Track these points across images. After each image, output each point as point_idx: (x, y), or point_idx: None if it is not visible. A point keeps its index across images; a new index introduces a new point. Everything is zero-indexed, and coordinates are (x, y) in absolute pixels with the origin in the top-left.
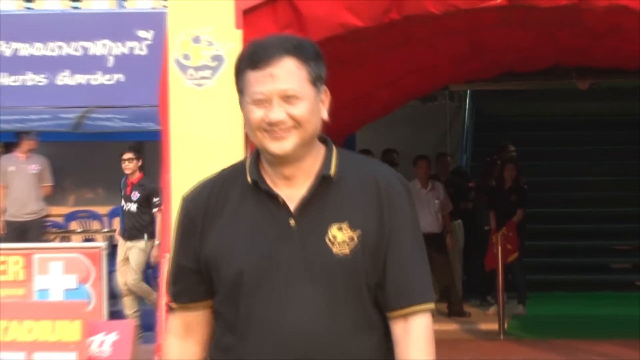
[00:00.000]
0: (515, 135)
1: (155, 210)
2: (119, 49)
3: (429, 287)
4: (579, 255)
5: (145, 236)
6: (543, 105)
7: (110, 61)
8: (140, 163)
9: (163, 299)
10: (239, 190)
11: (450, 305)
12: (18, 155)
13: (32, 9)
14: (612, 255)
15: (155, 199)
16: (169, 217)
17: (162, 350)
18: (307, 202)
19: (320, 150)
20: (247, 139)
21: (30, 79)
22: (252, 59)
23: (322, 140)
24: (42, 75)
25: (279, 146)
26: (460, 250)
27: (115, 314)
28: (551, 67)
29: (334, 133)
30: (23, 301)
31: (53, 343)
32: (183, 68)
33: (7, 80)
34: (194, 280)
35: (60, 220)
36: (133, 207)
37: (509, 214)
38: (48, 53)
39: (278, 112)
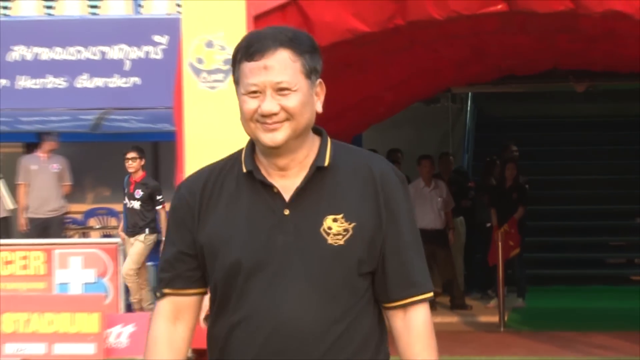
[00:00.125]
0: (515, 135)
1: (159, 207)
2: (135, 53)
3: (427, 276)
4: (576, 251)
5: (147, 230)
6: (542, 107)
7: (127, 65)
8: (143, 162)
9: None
10: (234, 180)
11: (452, 298)
12: (39, 155)
13: (52, 14)
14: (607, 251)
15: (158, 197)
16: None
17: (149, 332)
18: (302, 193)
19: (314, 141)
20: None
21: (51, 82)
22: (247, 50)
23: (317, 131)
24: (62, 79)
25: (271, 137)
26: (462, 246)
27: (132, 307)
28: (549, 70)
29: (342, 133)
30: (44, 294)
31: (72, 335)
32: (197, 71)
33: (28, 83)
34: (191, 266)
35: (79, 217)
36: (136, 204)
37: (510, 211)
38: (67, 57)
39: (271, 104)
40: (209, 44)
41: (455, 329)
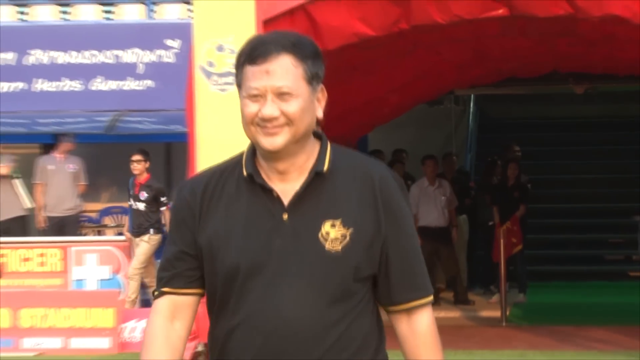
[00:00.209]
0: (516, 136)
1: (163, 208)
2: (148, 56)
3: (428, 280)
4: (576, 248)
5: (152, 230)
6: (542, 108)
7: (141, 68)
8: (147, 165)
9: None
10: (235, 183)
11: (455, 294)
12: (56, 155)
13: (68, 19)
14: (606, 248)
15: (162, 198)
16: None
17: (146, 330)
18: (301, 197)
19: (314, 146)
20: None
21: (67, 84)
22: (250, 54)
23: (317, 136)
24: (78, 82)
25: (270, 141)
26: (465, 243)
27: (146, 302)
28: (549, 73)
29: (348, 134)
30: (60, 290)
31: (88, 329)
32: (208, 74)
33: (45, 86)
34: (191, 266)
35: (94, 215)
36: (141, 205)
37: (512, 209)
38: (83, 61)
39: (271, 108)
40: (220, 48)
41: (459, 323)
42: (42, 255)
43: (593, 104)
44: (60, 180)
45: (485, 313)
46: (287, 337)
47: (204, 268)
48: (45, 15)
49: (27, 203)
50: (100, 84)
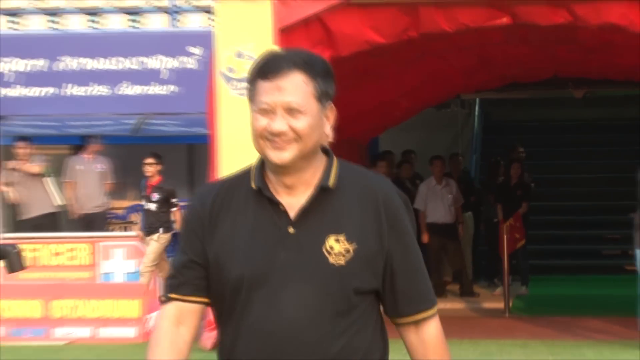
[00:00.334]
0: (519, 138)
1: (174, 209)
2: (172, 63)
3: (432, 292)
4: (576, 243)
5: (161, 230)
6: (543, 111)
7: (165, 74)
8: (159, 168)
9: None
10: (243, 195)
11: (461, 286)
12: (85, 156)
13: (96, 28)
14: (603, 243)
15: (173, 200)
16: None
17: (153, 333)
18: (307, 211)
19: (322, 161)
20: None
21: (95, 89)
22: (263, 70)
23: (325, 152)
24: (105, 86)
25: (278, 156)
26: (470, 238)
27: None
28: (550, 78)
29: (361, 136)
30: (89, 283)
31: (115, 319)
32: (228, 79)
33: (74, 90)
34: (198, 275)
35: (121, 212)
36: (152, 206)
37: (515, 206)
38: (110, 67)
39: (280, 124)
40: (239, 55)
41: (464, 314)
42: (72, 249)
43: (591, 108)
44: (88, 179)
45: (489, 304)
46: (291, 347)
47: (212, 278)
48: (74, 24)
49: (58, 200)
50: (126, 89)
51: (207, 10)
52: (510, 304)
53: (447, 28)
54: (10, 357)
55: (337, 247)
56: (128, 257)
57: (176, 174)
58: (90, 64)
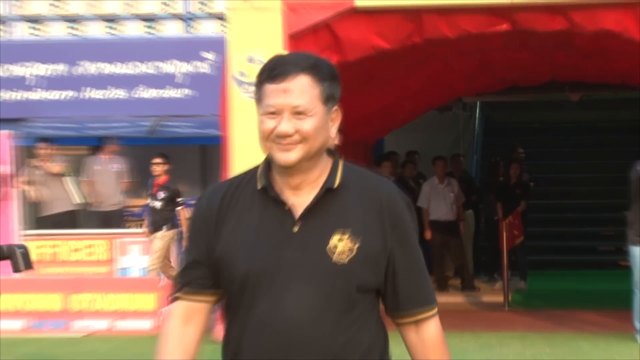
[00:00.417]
0: (518, 139)
1: (179, 208)
2: (186, 67)
3: (433, 292)
4: (572, 240)
5: (165, 227)
6: (541, 114)
7: (179, 78)
8: (166, 167)
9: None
10: (249, 195)
11: (462, 281)
12: (102, 156)
13: (114, 34)
14: (599, 240)
15: (178, 199)
16: None
17: (162, 331)
18: (311, 211)
19: (327, 163)
20: None
21: (112, 92)
22: (270, 73)
23: (330, 153)
24: (122, 90)
25: (284, 157)
26: (471, 235)
27: None
28: (548, 82)
29: (367, 137)
30: (107, 278)
31: (132, 312)
32: (239, 83)
33: (93, 94)
34: (203, 274)
35: (137, 210)
36: (157, 204)
37: (514, 204)
38: (127, 71)
39: (287, 126)
40: (250, 59)
41: (465, 307)
42: (90, 246)
43: (587, 110)
44: (105, 178)
45: (489, 298)
46: (295, 344)
47: (220, 276)
48: (93, 30)
49: (77, 199)
50: (142, 92)
51: (220, 17)
52: (510, 298)
53: (450, 34)
54: (31, 348)
55: (340, 246)
56: (144, 253)
57: (190, 174)
58: (108, 68)
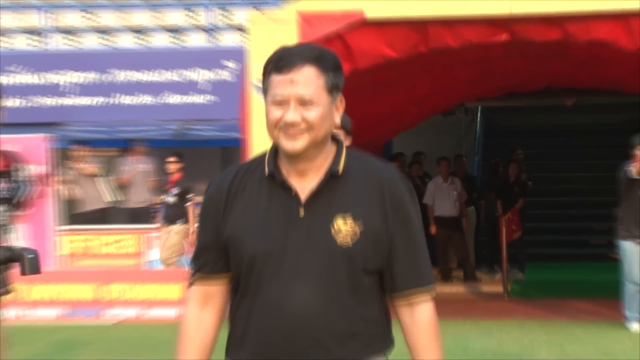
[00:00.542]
0: (516, 141)
1: (188, 204)
2: (209, 75)
3: (431, 274)
4: (567, 234)
5: (179, 222)
6: (538, 117)
7: (202, 84)
8: (179, 166)
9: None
10: (257, 180)
11: (465, 272)
12: (131, 157)
13: (142, 44)
14: (592, 234)
15: (188, 195)
16: None
17: (182, 316)
18: (316, 195)
19: (332, 149)
20: None
21: (140, 98)
22: (277, 64)
23: (335, 140)
24: (150, 96)
25: (291, 144)
26: (473, 230)
27: None
28: (544, 88)
29: (377, 139)
30: (135, 269)
31: (158, 302)
32: (258, 89)
33: (122, 99)
34: (214, 257)
35: None
36: (171, 199)
37: (513, 202)
38: (154, 78)
39: (294, 115)
40: None
41: (467, 297)
42: (119, 240)
43: (581, 114)
44: (133, 178)
45: (490, 288)
46: (301, 324)
47: (230, 257)
48: (123, 41)
49: (108, 197)
50: (168, 98)
51: (240, 29)
52: (509, 288)
53: (453, 44)
54: (65, 335)
55: (344, 228)
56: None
57: (212, 173)
58: (136, 76)
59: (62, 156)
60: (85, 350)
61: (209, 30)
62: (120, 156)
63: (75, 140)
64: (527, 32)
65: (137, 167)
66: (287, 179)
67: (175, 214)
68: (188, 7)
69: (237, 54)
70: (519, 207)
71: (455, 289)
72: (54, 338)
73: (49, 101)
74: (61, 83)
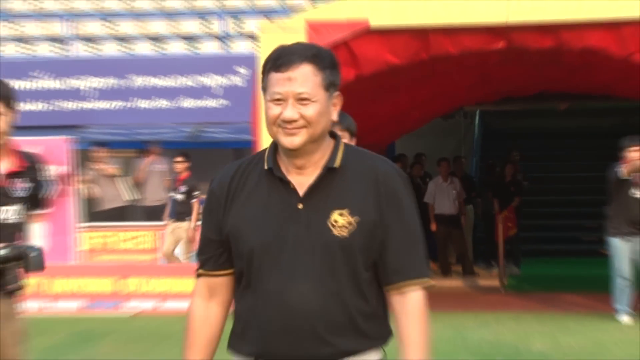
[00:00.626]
0: (512, 143)
1: (193, 200)
2: (222, 80)
3: (425, 265)
4: (560, 231)
5: (188, 219)
6: (533, 121)
7: (216, 89)
8: (186, 165)
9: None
10: (257, 175)
11: (463, 267)
12: (148, 158)
13: (159, 51)
14: (583, 231)
15: (194, 193)
16: None
17: (188, 309)
18: (314, 189)
19: (329, 145)
20: None
21: (157, 102)
22: (275, 62)
23: (333, 136)
24: (166, 100)
25: (290, 141)
26: (471, 227)
27: None
28: (539, 93)
29: (380, 141)
30: (152, 264)
31: (174, 295)
32: None
33: (140, 103)
34: (218, 251)
35: None
36: (179, 197)
37: (509, 200)
38: (170, 84)
39: (292, 112)
40: None
41: (466, 291)
42: (137, 236)
43: (573, 118)
44: (150, 177)
45: (487, 282)
46: (301, 314)
47: (232, 251)
48: (141, 48)
49: (126, 196)
50: (183, 102)
51: (252, 37)
52: (505, 282)
53: (453, 51)
54: (86, 326)
55: (340, 221)
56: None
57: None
58: (153, 81)
59: (83, 157)
60: (104, 340)
61: (222, 38)
62: (138, 157)
63: (95, 142)
64: (523, 39)
65: (152, 167)
66: (286, 174)
67: (183, 211)
68: (202, 16)
69: (249, 61)
70: (514, 206)
71: (454, 283)
72: (75, 329)
73: (70, 105)
74: (82, 88)
